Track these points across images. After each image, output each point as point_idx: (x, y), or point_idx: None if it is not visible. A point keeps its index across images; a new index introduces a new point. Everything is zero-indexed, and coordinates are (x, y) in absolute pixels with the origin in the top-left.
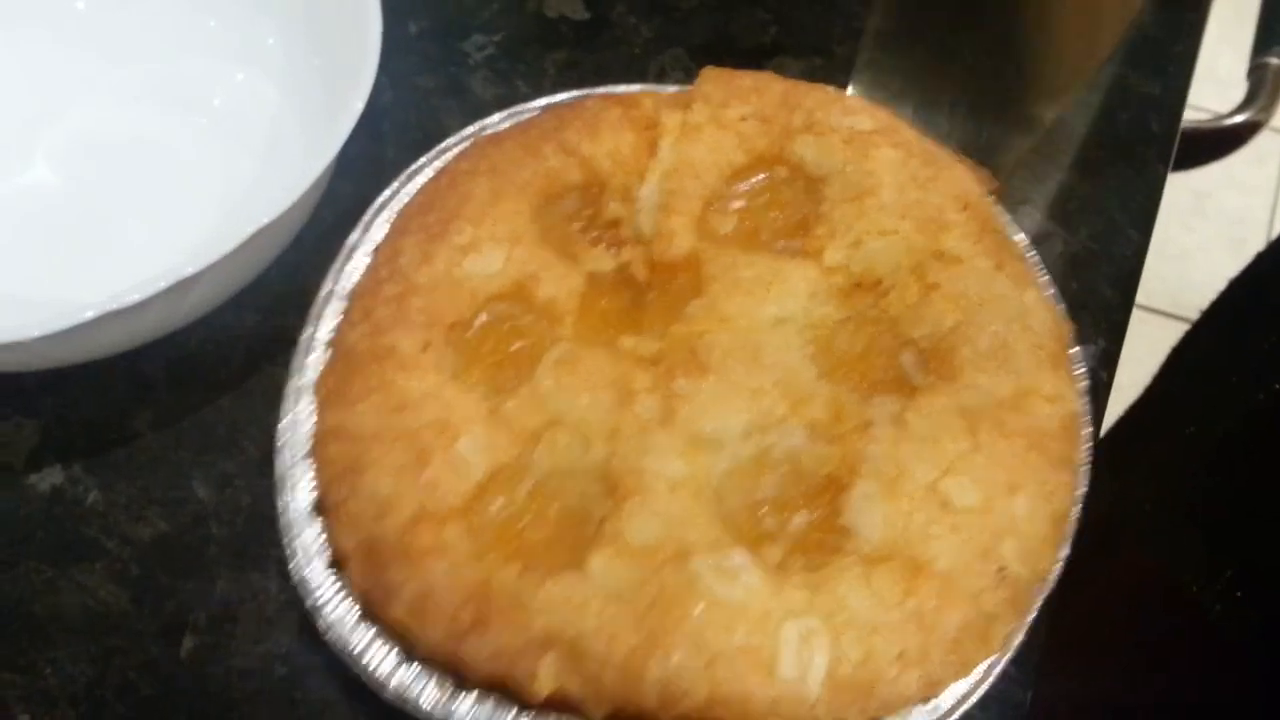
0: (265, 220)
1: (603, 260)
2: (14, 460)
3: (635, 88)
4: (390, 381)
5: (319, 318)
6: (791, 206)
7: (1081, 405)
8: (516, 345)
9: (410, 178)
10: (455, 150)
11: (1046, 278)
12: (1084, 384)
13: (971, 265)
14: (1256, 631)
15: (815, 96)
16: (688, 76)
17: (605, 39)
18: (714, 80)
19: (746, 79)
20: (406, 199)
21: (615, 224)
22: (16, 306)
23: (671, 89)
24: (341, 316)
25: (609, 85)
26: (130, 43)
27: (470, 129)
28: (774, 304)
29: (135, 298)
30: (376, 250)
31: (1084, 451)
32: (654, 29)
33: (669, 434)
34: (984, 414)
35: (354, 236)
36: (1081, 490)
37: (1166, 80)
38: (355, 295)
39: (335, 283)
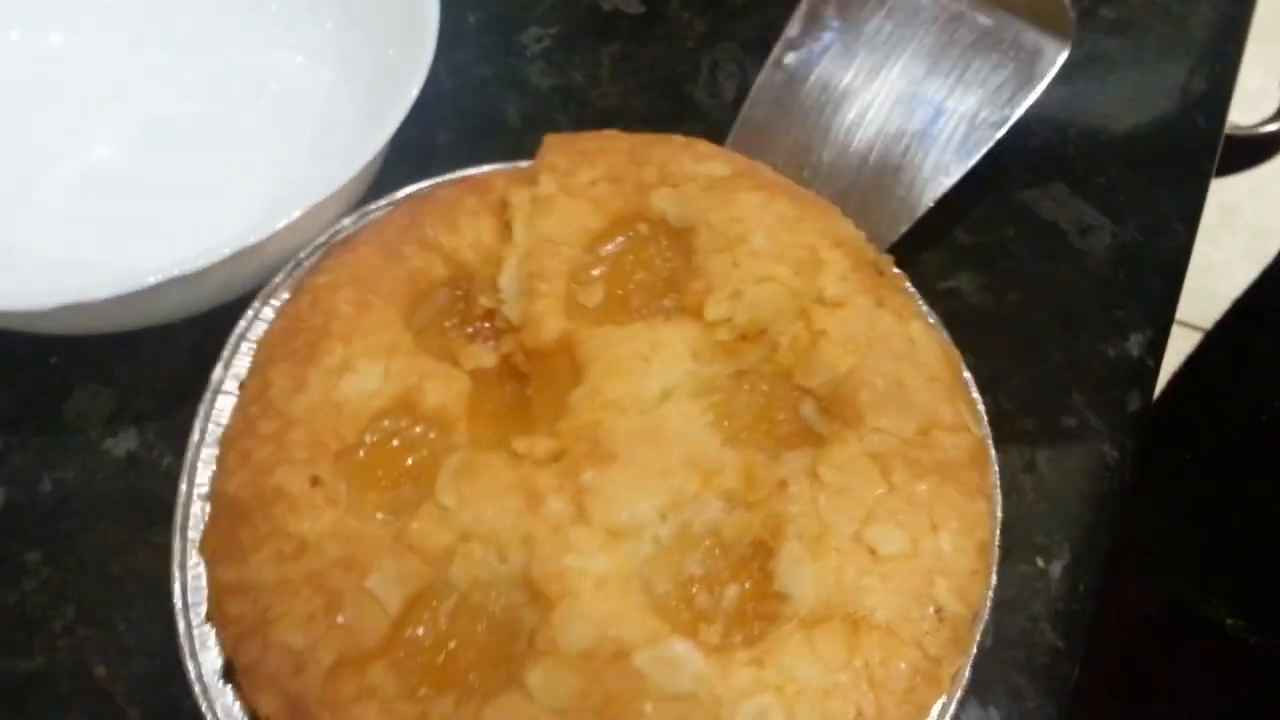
0: (321, 196)
1: (483, 356)
2: (91, 427)
3: (486, 169)
4: (282, 527)
5: (192, 469)
6: (659, 264)
7: (984, 430)
8: (410, 460)
9: (267, 299)
10: (309, 263)
11: (926, 306)
12: (981, 408)
13: (853, 306)
14: None
15: (663, 149)
16: (741, 72)
17: (659, 33)
18: (557, 148)
19: (589, 141)
20: (264, 326)
21: (490, 315)
22: (83, 270)
23: (523, 164)
24: (215, 465)
25: (464, 169)
26: (192, 27)
27: (321, 238)
28: (658, 376)
29: (199, 264)
30: (243, 386)
31: (994, 476)
32: (707, 24)
33: (585, 530)
34: (893, 455)
35: (216, 373)
36: (998, 514)
37: (1213, 76)
38: (227, 440)
39: (203, 428)
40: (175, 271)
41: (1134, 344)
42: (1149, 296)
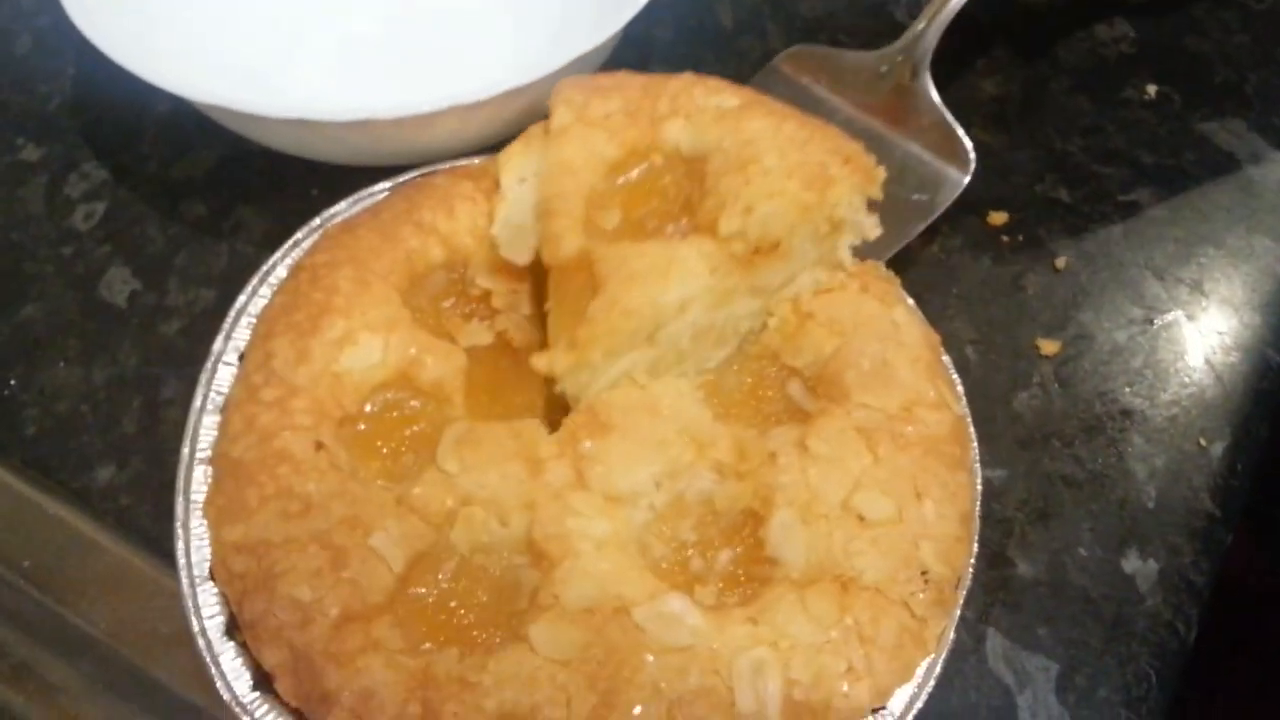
0: (569, 58)
1: (480, 334)
2: None
3: (477, 160)
4: (288, 487)
5: (194, 435)
6: (674, 191)
7: (963, 409)
8: (410, 430)
9: (265, 278)
10: (306, 243)
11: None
12: (960, 389)
13: (842, 292)
14: None
15: (675, 83)
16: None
17: None
18: (572, 86)
19: (604, 79)
20: (264, 301)
21: (485, 297)
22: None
23: None
24: (217, 431)
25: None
26: None
27: (316, 220)
28: (675, 288)
29: (476, 97)
30: (244, 357)
31: (974, 451)
32: None
33: (585, 495)
34: (879, 429)
35: (217, 344)
36: (978, 488)
37: None
38: (230, 406)
39: (205, 395)
40: (455, 101)
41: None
42: None
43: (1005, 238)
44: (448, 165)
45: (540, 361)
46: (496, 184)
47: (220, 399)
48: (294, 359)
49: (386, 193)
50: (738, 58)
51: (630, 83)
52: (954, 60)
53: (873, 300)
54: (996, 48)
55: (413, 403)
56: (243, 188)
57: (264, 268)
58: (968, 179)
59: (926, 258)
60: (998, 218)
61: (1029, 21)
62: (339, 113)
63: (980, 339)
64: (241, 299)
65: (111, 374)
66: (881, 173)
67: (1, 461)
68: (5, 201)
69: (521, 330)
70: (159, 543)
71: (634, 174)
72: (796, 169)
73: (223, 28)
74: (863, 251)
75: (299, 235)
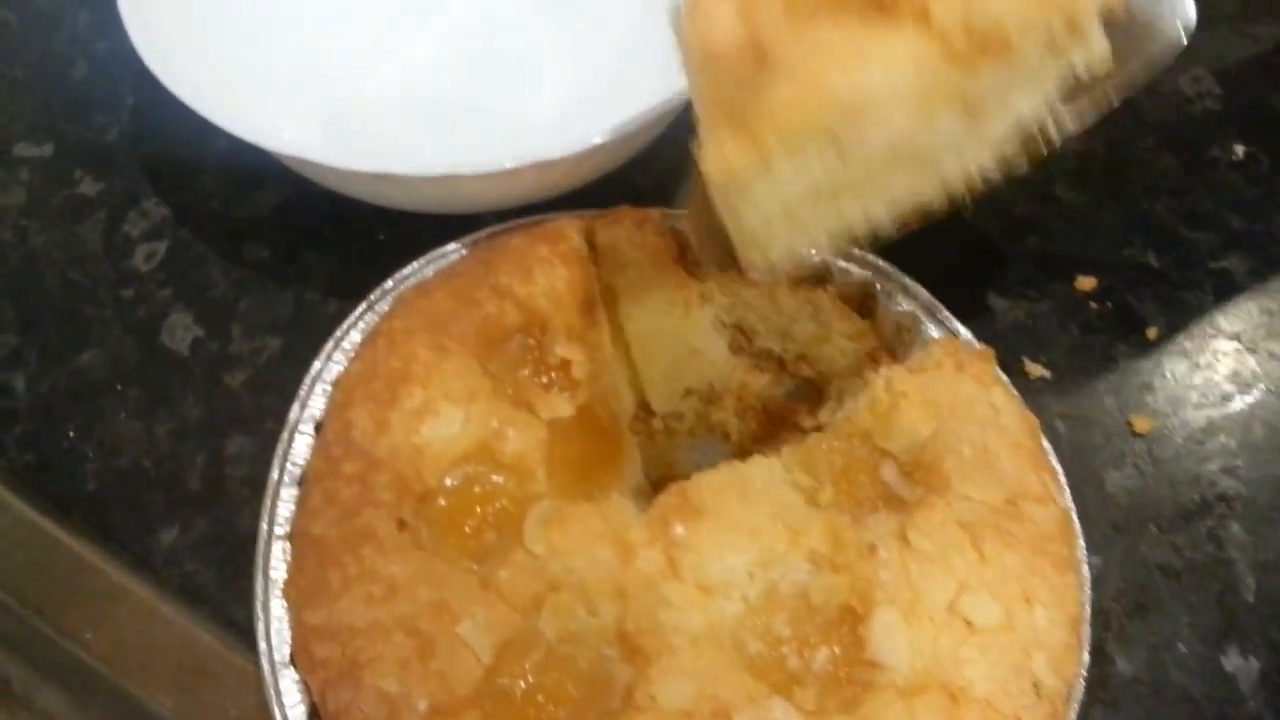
0: (647, 107)
1: (561, 405)
2: None
3: (555, 216)
4: (372, 568)
5: (272, 509)
6: None
7: (1067, 501)
8: (493, 507)
9: (339, 343)
10: (380, 306)
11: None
12: (1062, 479)
13: (937, 371)
14: None
15: None
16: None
17: None
18: None
19: None
20: (339, 367)
21: (564, 366)
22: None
23: (588, 213)
24: (296, 505)
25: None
26: None
27: (389, 282)
28: (881, 72)
29: (558, 153)
30: (321, 426)
31: (1081, 550)
32: None
33: (679, 586)
34: (983, 525)
35: (293, 413)
36: (1087, 590)
37: None
38: (310, 479)
39: (281, 467)
40: (541, 157)
41: None
42: None
43: (1094, 304)
44: (524, 221)
45: (709, 161)
46: (573, 246)
47: (297, 470)
48: (374, 430)
49: (459, 252)
50: None
51: None
52: None
53: (969, 381)
54: None
55: (494, 478)
56: (307, 230)
57: (337, 333)
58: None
59: (1012, 324)
60: (1085, 283)
61: None
62: (422, 168)
63: (1071, 413)
64: (316, 365)
65: (174, 427)
66: None
67: (61, 521)
68: (63, 238)
69: (605, 404)
70: (227, 613)
71: None
72: None
73: (290, 66)
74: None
75: (372, 297)
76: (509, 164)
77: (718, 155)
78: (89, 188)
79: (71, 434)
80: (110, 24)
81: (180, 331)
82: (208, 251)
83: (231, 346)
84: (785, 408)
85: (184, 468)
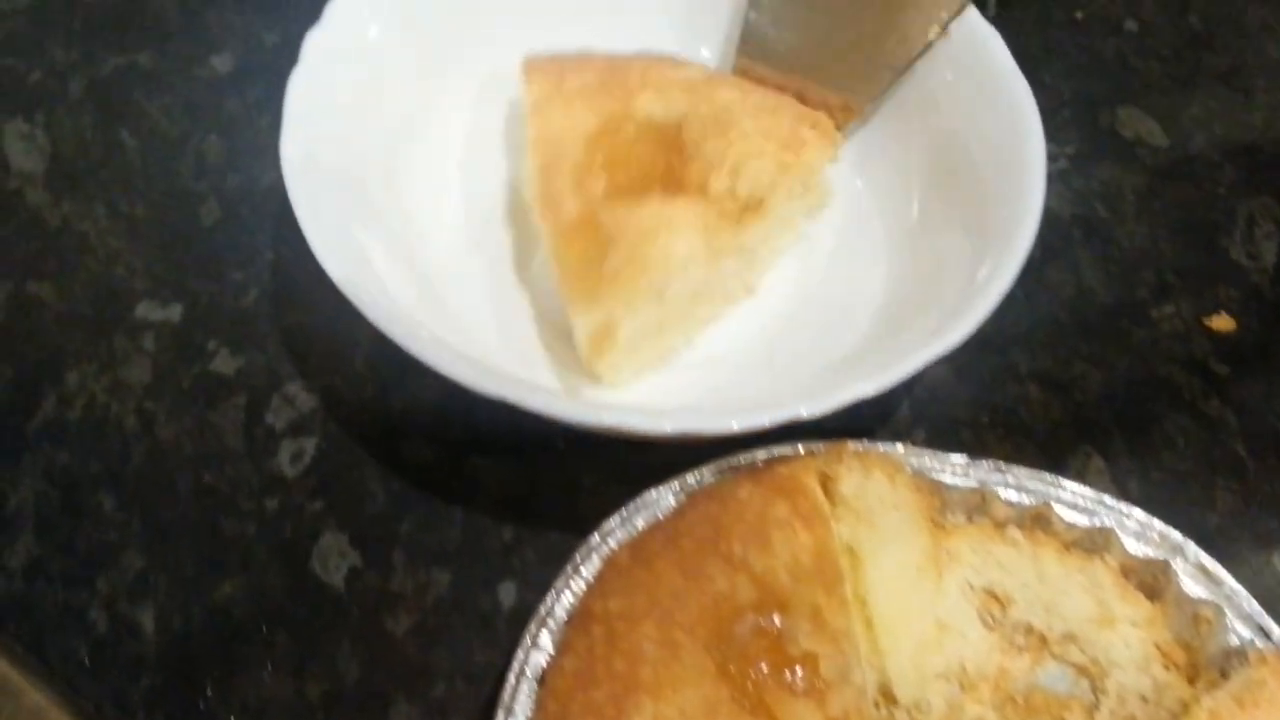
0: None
1: (809, 717)
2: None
3: (785, 454)
4: None
5: None
6: (654, 157)
7: None
8: None
9: (543, 622)
10: (585, 570)
11: None
12: None
13: (1261, 689)
14: None
15: (639, 62)
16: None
17: (1184, 170)
18: (543, 62)
19: (569, 57)
20: (546, 657)
21: (811, 660)
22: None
23: (819, 445)
24: None
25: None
26: None
27: (594, 537)
28: (682, 241)
29: (808, 413)
30: None
31: None
32: (1238, 170)
33: None
34: None
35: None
36: None
37: None
38: None
39: None
40: (794, 416)
41: None
42: None
43: None
44: (743, 460)
45: (590, 362)
46: (815, 504)
47: None
48: None
49: (674, 502)
50: (1047, 287)
51: (595, 60)
52: None
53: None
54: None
55: None
56: (474, 430)
57: (541, 610)
58: None
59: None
60: None
61: None
62: (659, 425)
63: None
64: (520, 656)
65: (329, 688)
66: (842, 139)
67: None
68: (196, 429)
69: (860, 713)
70: None
71: (614, 141)
72: (771, 131)
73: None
74: None
75: (577, 558)
76: (766, 422)
77: (592, 345)
78: (225, 364)
79: (209, 693)
80: (245, 154)
81: (334, 559)
82: (363, 454)
83: (393, 581)
84: (1055, 703)
85: None
